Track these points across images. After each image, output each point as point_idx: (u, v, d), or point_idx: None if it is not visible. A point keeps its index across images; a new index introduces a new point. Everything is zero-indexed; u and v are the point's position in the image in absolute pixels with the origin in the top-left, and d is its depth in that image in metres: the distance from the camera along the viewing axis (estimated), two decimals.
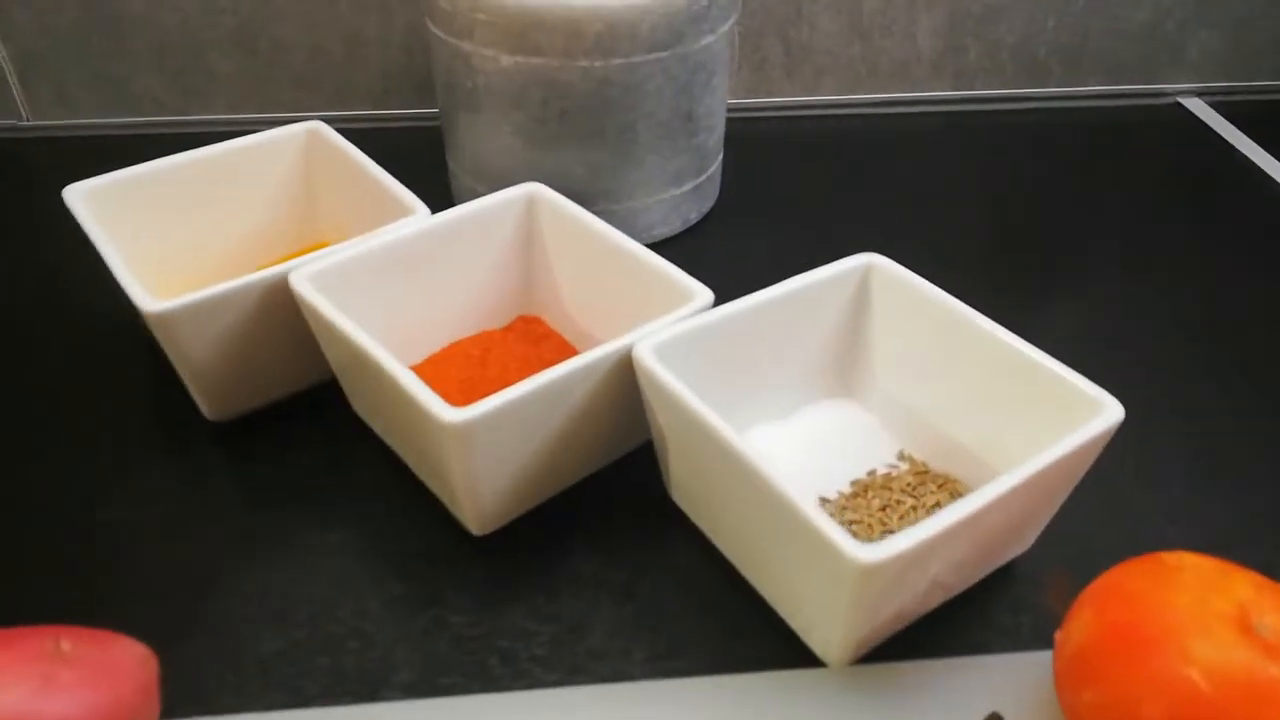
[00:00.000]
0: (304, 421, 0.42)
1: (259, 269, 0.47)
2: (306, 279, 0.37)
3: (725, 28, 0.49)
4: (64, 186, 0.59)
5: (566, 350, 0.43)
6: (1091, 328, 0.49)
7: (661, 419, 0.35)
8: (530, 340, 0.44)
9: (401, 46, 0.62)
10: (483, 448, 0.33)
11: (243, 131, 0.62)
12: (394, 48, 0.62)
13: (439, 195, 0.56)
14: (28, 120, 0.62)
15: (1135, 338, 0.48)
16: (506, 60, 0.46)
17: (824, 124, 0.66)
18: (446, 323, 0.43)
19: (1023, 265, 0.54)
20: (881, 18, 0.64)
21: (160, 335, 0.37)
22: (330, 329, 0.36)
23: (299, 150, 0.48)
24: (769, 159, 0.62)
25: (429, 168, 0.56)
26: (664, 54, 0.47)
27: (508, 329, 0.45)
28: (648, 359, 0.34)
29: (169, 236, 0.45)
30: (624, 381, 0.35)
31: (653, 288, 0.39)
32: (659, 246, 0.53)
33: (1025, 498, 0.30)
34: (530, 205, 0.43)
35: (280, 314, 0.38)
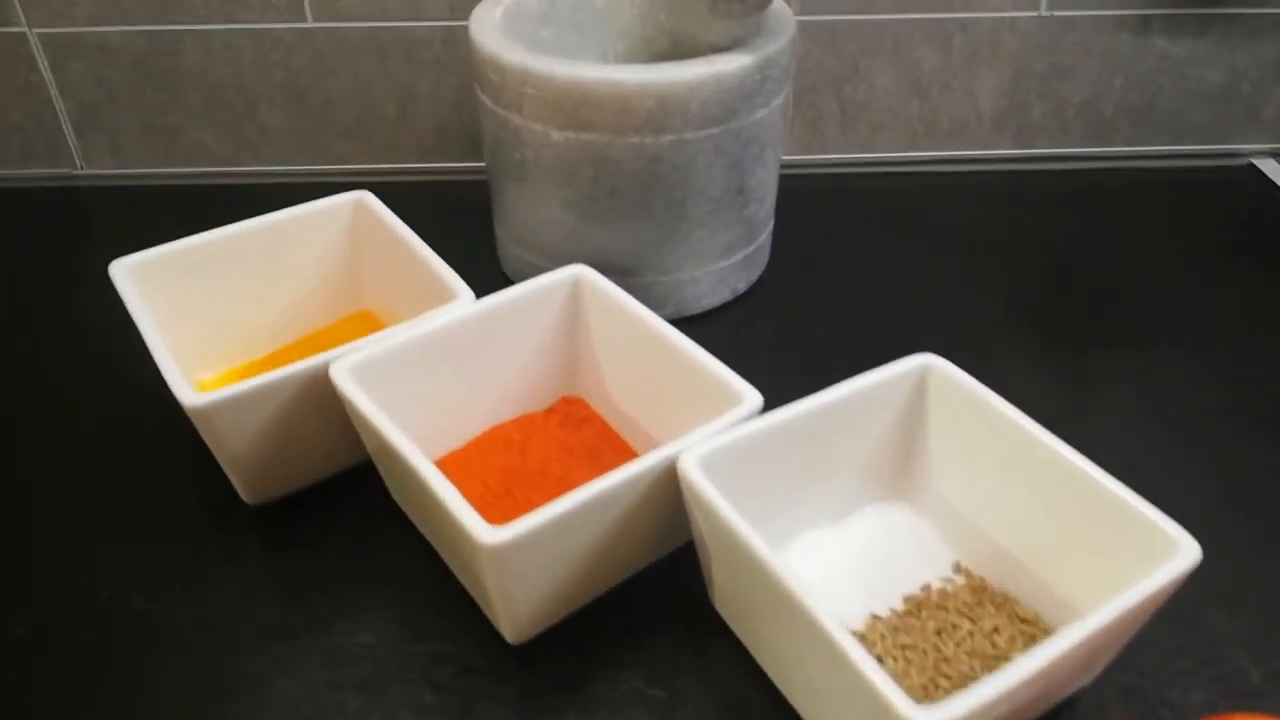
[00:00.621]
0: (342, 502, 0.41)
1: (303, 338, 0.48)
2: (347, 371, 0.37)
3: (778, 100, 0.48)
4: (115, 235, 0.60)
5: (609, 437, 0.42)
6: (1155, 411, 0.46)
7: (705, 532, 0.34)
8: (572, 425, 0.43)
9: (452, 104, 0.61)
10: (520, 566, 0.32)
11: (292, 184, 0.63)
12: (445, 104, 0.61)
13: (486, 258, 0.55)
14: (82, 169, 0.63)
15: (1202, 427, 0.46)
16: (556, 135, 0.45)
17: (879, 181, 0.65)
18: (488, 406, 0.42)
19: (1083, 335, 0.52)
20: (941, 75, 0.62)
21: (199, 426, 0.37)
22: (369, 427, 0.35)
23: (345, 220, 0.47)
24: (821, 219, 0.60)
25: (477, 227, 0.56)
26: (715, 130, 0.45)
27: (550, 411, 0.44)
28: (693, 472, 0.32)
29: (214, 308, 0.45)
30: (667, 489, 0.34)
31: (700, 386, 0.37)
32: (706, 317, 0.52)
33: (1094, 644, 0.29)
34: (575, 287, 0.42)
35: (320, 402, 0.38)
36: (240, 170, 0.63)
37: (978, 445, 0.37)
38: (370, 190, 0.63)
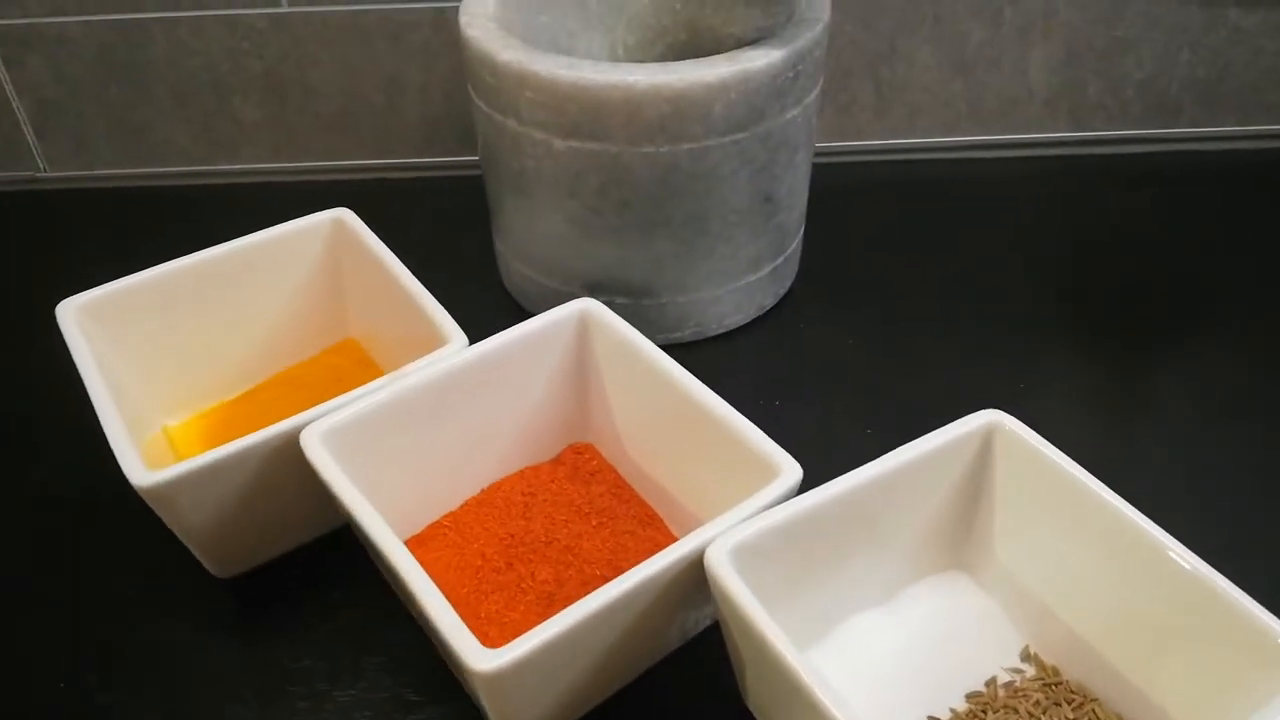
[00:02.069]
0: (323, 568, 0.37)
1: (281, 373, 0.43)
2: (319, 439, 0.32)
3: (811, 97, 0.42)
4: (83, 243, 0.55)
5: (623, 491, 0.37)
6: (1253, 457, 0.41)
7: (735, 635, 0.29)
8: (581, 478, 0.38)
9: (444, 92, 0.55)
10: (519, 688, 0.27)
11: (273, 183, 0.58)
12: (436, 93, 0.55)
13: (486, 272, 0.50)
14: (45, 172, 0.58)
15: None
16: (559, 144, 0.40)
17: (918, 169, 0.59)
18: (486, 460, 0.37)
19: (1148, 342, 0.46)
20: (989, 50, 0.56)
21: (154, 506, 0.32)
22: (345, 508, 0.30)
23: (324, 241, 0.42)
24: (855, 216, 0.54)
25: (475, 233, 0.50)
26: (740, 135, 0.40)
27: (556, 462, 0.39)
28: (722, 568, 0.28)
29: (180, 345, 0.40)
30: (692, 580, 0.29)
31: (729, 452, 0.32)
32: (730, 337, 0.47)
33: None
34: (582, 324, 0.37)
35: (291, 470, 0.33)
36: (217, 169, 0.58)
37: (1049, 515, 0.32)
38: (359, 188, 0.58)
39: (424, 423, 0.34)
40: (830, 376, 0.45)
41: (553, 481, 0.38)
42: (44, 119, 0.56)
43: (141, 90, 0.55)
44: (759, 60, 0.38)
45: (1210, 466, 0.41)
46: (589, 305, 0.37)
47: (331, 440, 0.32)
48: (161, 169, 0.58)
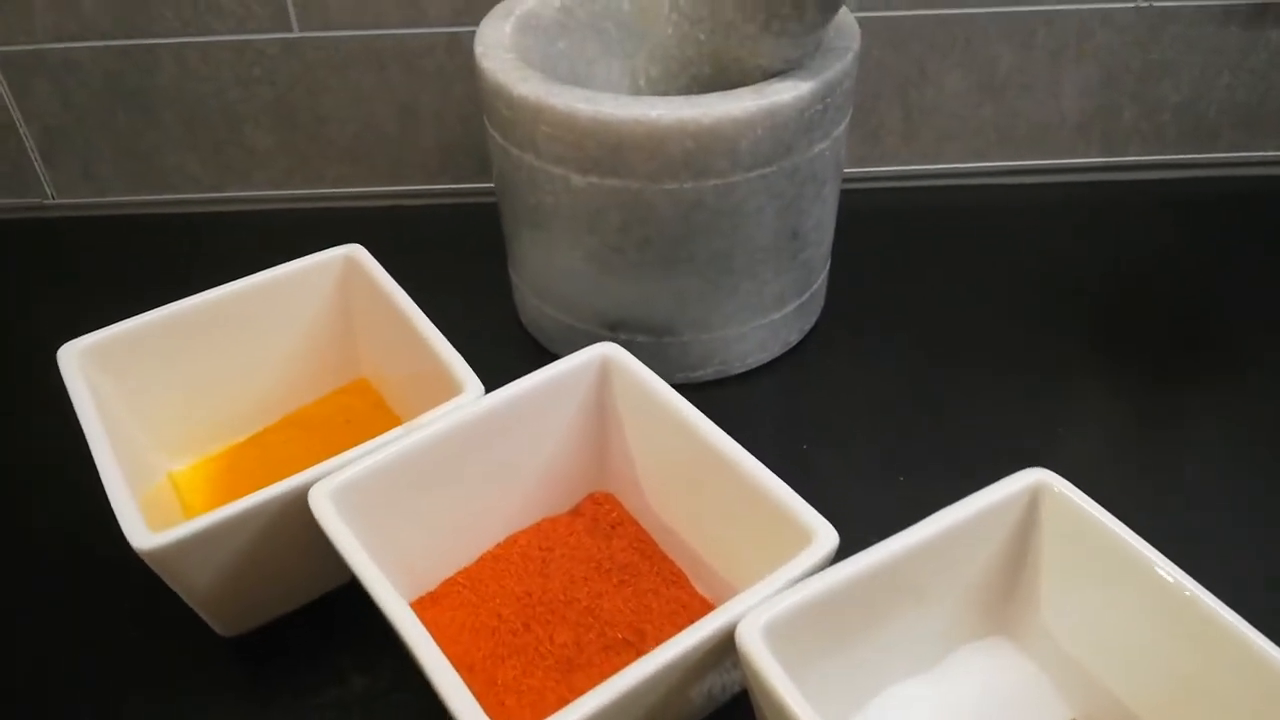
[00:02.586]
0: (336, 623, 0.35)
1: (292, 415, 0.42)
2: (328, 497, 0.30)
3: (840, 129, 0.40)
4: (93, 271, 0.54)
5: (645, 546, 0.36)
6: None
7: (769, 714, 0.27)
8: (601, 532, 0.36)
9: (460, 116, 0.54)
10: None
11: (285, 210, 0.56)
12: (451, 118, 0.54)
13: (501, 306, 0.48)
14: (53, 199, 0.56)
15: None
16: (578, 180, 0.38)
17: (946, 195, 0.57)
18: (503, 513, 0.36)
19: (1184, 373, 0.45)
20: (1020, 75, 0.54)
21: (156, 569, 0.30)
22: (356, 571, 0.29)
23: (335, 278, 0.41)
24: (883, 243, 0.53)
25: (491, 262, 0.49)
26: (767, 170, 0.38)
27: (575, 513, 0.37)
28: (754, 646, 0.26)
29: (186, 387, 0.39)
30: (723, 649, 0.28)
31: (759, 514, 0.31)
32: (755, 375, 0.45)
33: None
34: (603, 371, 0.35)
35: (301, 528, 0.31)
36: (228, 196, 0.57)
37: (1097, 580, 0.30)
38: (372, 215, 0.57)
39: (438, 476, 0.33)
40: (858, 416, 0.43)
41: (571, 535, 0.36)
42: (51, 145, 0.54)
43: (150, 116, 0.54)
44: (786, 94, 0.37)
45: (1260, 509, 0.39)
46: (610, 350, 0.35)
47: (340, 498, 0.30)
48: (171, 196, 0.56)
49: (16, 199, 0.56)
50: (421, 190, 0.57)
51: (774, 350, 0.45)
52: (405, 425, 0.33)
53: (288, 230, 0.55)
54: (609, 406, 0.36)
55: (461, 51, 0.52)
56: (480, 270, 0.50)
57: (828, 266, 0.47)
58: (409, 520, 0.33)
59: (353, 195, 0.57)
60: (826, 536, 0.29)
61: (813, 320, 0.47)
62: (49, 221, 0.57)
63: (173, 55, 0.51)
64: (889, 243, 0.53)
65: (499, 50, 0.40)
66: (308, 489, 0.30)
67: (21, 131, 0.54)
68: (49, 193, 0.56)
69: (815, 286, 0.45)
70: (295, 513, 0.31)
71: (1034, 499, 0.30)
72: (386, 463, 0.31)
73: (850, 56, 0.39)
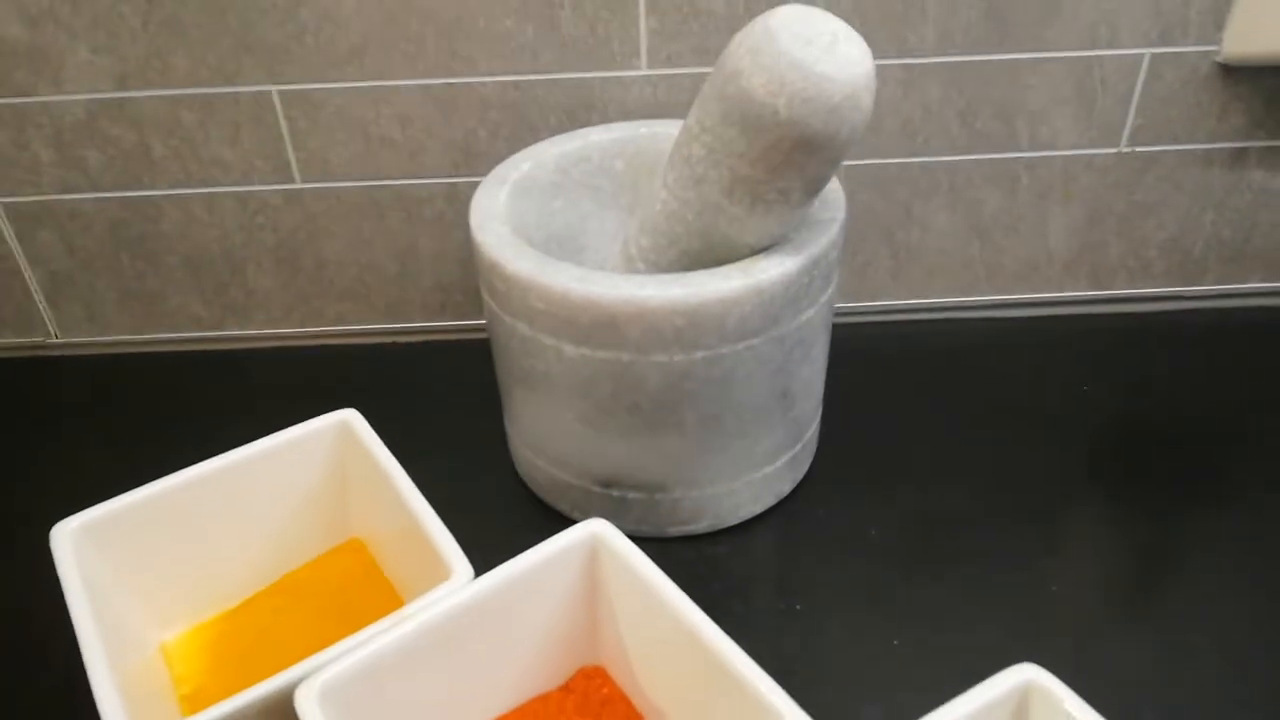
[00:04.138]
0: None
1: (284, 578, 0.42)
2: (315, 698, 0.30)
3: (827, 295, 0.41)
4: (91, 412, 0.55)
5: None
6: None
7: None
8: (591, 710, 0.36)
9: (458, 259, 0.55)
10: None
11: (286, 347, 0.57)
12: (450, 260, 0.55)
13: (496, 455, 0.49)
14: (56, 338, 0.57)
15: None
16: (570, 350, 0.39)
17: (936, 328, 0.58)
18: (492, 693, 0.36)
19: (1180, 510, 0.45)
20: (1006, 216, 0.55)
21: None
22: None
23: (329, 444, 0.41)
24: (873, 379, 0.53)
25: (483, 402, 0.49)
26: (755, 340, 0.39)
27: (566, 690, 0.37)
28: None
29: (179, 556, 0.39)
30: None
31: (742, 702, 0.30)
32: (747, 527, 0.45)
33: None
34: (592, 551, 0.36)
35: None
36: (228, 335, 0.57)
37: None
38: (370, 352, 0.58)
39: (426, 665, 0.33)
40: (851, 571, 0.43)
41: (561, 714, 0.36)
42: (56, 288, 0.56)
43: (153, 261, 0.55)
44: (773, 271, 0.37)
45: (1258, 674, 0.38)
46: (600, 529, 0.35)
47: (328, 697, 0.30)
48: (173, 334, 0.57)
49: (20, 338, 0.57)
50: (419, 327, 0.57)
51: (767, 501, 0.45)
52: (392, 615, 0.33)
53: (287, 367, 0.56)
54: (599, 583, 0.36)
55: (459, 199, 0.53)
56: (477, 412, 0.50)
57: (819, 416, 0.47)
58: (397, 712, 0.32)
59: (351, 332, 0.58)
60: None
61: (804, 469, 0.47)
62: (51, 360, 0.57)
63: (177, 205, 0.53)
64: (881, 379, 0.53)
65: (494, 223, 0.41)
66: (293, 688, 0.30)
67: (26, 275, 0.55)
68: (52, 332, 0.57)
69: (807, 438, 0.46)
70: (282, 711, 0.31)
71: (1024, 700, 0.30)
72: (374, 657, 0.31)
73: (836, 228, 0.40)
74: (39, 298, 0.56)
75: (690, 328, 0.37)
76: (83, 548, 0.36)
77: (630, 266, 0.42)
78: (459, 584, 0.34)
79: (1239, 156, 0.53)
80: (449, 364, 0.56)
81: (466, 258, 0.55)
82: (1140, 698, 0.37)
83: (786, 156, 0.35)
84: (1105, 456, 0.49)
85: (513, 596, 0.34)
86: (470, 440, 0.49)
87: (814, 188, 0.37)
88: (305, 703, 0.30)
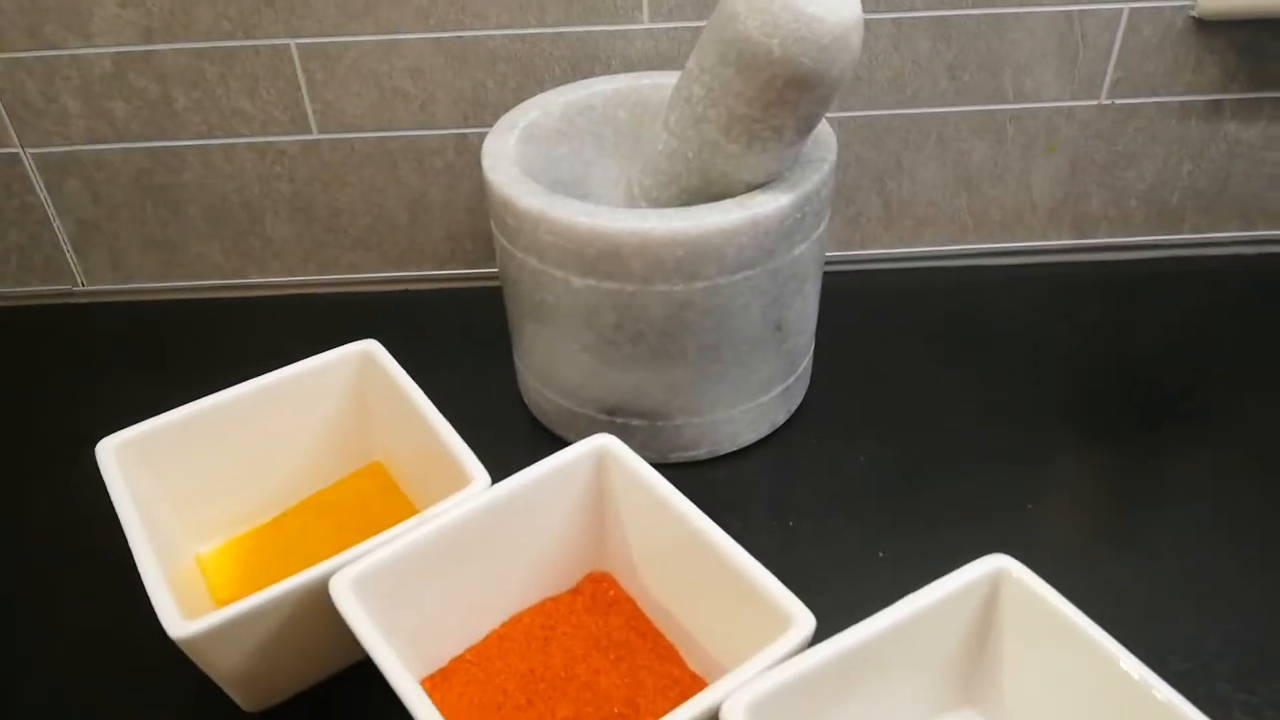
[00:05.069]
0: (357, 694, 0.38)
1: (311, 497, 0.44)
2: (348, 585, 0.33)
3: (818, 232, 0.44)
4: (119, 354, 0.57)
5: (641, 624, 0.38)
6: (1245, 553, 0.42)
7: None
8: (599, 610, 0.39)
9: (467, 209, 0.57)
10: None
11: (302, 295, 0.60)
12: (459, 210, 0.58)
13: (505, 388, 0.51)
14: (82, 286, 0.60)
15: None
16: (577, 281, 0.41)
17: (925, 278, 0.60)
18: (507, 593, 0.38)
19: (1151, 449, 0.48)
20: (992, 167, 0.57)
21: (190, 654, 0.33)
22: (370, 654, 0.31)
23: (352, 373, 0.44)
24: (864, 323, 0.56)
25: (496, 345, 0.52)
26: (752, 272, 0.41)
27: (575, 592, 0.40)
28: None
29: (213, 475, 0.42)
30: None
31: (743, 598, 0.33)
32: (744, 454, 0.48)
33: None
34: (600, 461, 0.38)
35: (322, 613, 0.34)
36: (247, 283, 0.60)
37: (1053, 661, 0.32)
38: (384, 299, 0.60)
39: (448, 562, 0.36)
40: (842, 493, 0.46)
41: (571, 614, 0.39)
42: (82, 237, 0.58)
43: (175, 210, 0.57)
44: (768, 205, 0.40)
45: (1223, 584, 0.41)
46: (607, 442, 0.38)
47: (359, 586, 0.33)
48: (194, 282, 0.60)
49: (49, 285, 0.60)
50: (431, 275, 0.60)
51: (762, 430, 0.48)
52: (417, 516, 0.35)
53: (305, 314, 0.59)
54: (606, 493, 0.39)
55: (469, 150, 0.55)
56: (486, 352, 0.53)
57: (811, 351, 0.50)
58: (422, 604, 0.35)
59: (365, 280, 0.60)
60: (804, 621, 0.31)
61: (799, 400, 0.50)
62: (78, 307, 0.60)
63: (199, 155, 0.55)
64: (871, 324, 0.56)
65: (504, 163, 0.43)
66: (329, 578, 0.33)
67: (55, 225, 0.57)
68: (79, 280, 0.60)
69: (800, 370, 0.49)
70: (316, 599, 0.34)
71: (995, 584, 0.33)
72: (401, 552, 0.34)
73: (827, 168, 0.42)
74: (67, 247, 0.58)
75: (690, 258, 0.40)
76: (125, 461, 0.38)
77: (633, 205, 0.44)
78: (478, 490, 0.36)
79: (1214, 109, 0.56)
80: (459, 309, 0.58)
81: (475, 205, 0.57)
82: (1109, 603, 0.40)
83: (780, 94, 0.37)
84: (1081, 392, 0.51)
85: (525, 504, 0.37)
86: (480, 378, 0.52)
87: (806, 125, 0.39)
88: (340, 590, 0.33)
